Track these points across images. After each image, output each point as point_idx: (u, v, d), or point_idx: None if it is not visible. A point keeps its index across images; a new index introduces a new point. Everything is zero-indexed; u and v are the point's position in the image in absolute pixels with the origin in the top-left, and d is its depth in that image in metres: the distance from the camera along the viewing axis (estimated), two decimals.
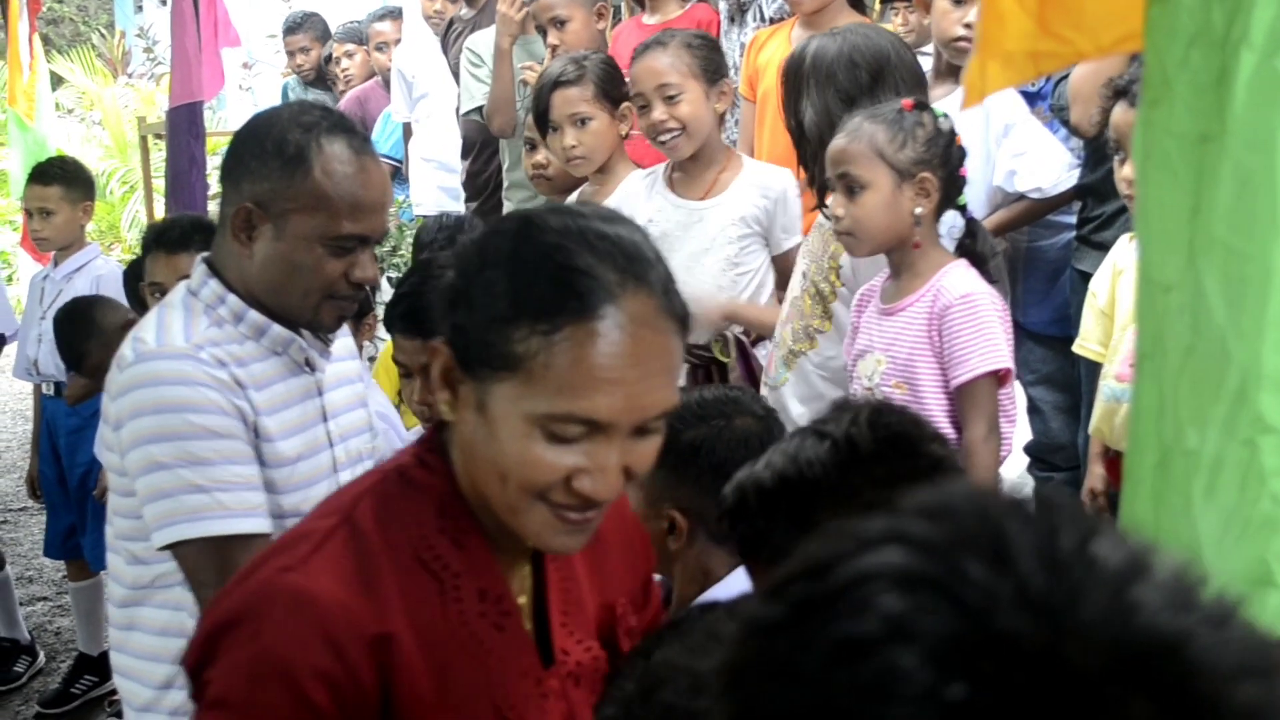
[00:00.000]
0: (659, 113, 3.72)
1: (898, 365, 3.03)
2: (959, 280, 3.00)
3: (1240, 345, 1.14)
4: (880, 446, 1.65)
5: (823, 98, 3.34)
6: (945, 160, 3.04)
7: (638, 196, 3.88)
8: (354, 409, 2.50)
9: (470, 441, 1.46)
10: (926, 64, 4.47)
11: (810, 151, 3.36)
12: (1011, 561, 0.65)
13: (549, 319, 1.35)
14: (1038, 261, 4.34)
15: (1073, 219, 4.24)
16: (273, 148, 2.23)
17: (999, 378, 2.97)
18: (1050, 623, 0.63)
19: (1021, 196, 4.02)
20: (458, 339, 1.42)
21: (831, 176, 3.05)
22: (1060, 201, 4.08)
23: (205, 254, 2.38)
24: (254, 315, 2.30)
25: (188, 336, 2.26)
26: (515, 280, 1.38)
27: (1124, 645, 0.63)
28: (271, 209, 2.23)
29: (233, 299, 2.30)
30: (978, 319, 2.95)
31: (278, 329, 2.31)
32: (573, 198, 4.19)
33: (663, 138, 3.75)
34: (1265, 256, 1.13)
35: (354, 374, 2.55)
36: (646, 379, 1.38)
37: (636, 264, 1.39)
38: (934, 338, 2.98)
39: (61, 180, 5.17)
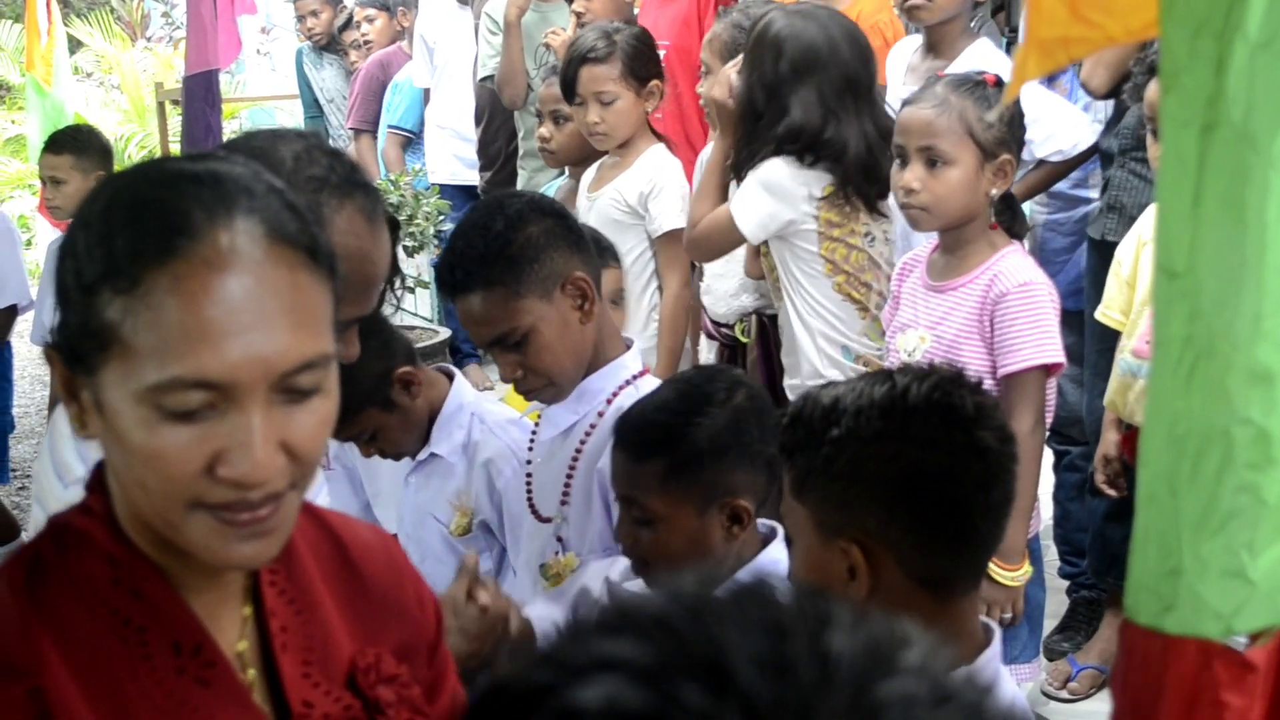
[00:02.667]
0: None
1: (942, 345, 2.98)
2: (1017, 267, 2.95)
3: (1223, 336, 1.15)
4: (929, 409, 1.61)
5: (751, 75, 3.42)
6: (1018, 140, 3.02)
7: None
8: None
9: (109, 458, 1.24)
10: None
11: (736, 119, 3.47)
12: (733, 679, 0.59)
13: (128, 273, 1.15)
14: (1054, 235, 4.33)
15: (1089, 193, 4.23)
16: None
17: (1047, 370, 2.94)
18: None
19: (1040, 162, 4.00)
20: (62, 334, 1.22)
21: (908, 146, 2.97)
22: (1080, 161, 4.05)
23: None
24: None
25: None
26: (96, 242, 1.18)
27: None
28: None
29: None
30: (1034, 309, 2.91)
31: None
32: (591, 170, 4.19)
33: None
34: (1254, 250, 1.14)
35: None
36: (266, 324, 1.17)
37: (231, 194, 1.19)
38: (985, 323, 2.93)
39: (73, 149, 5.17)
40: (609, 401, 2.49)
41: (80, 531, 1.28)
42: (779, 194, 3.36)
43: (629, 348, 2.57)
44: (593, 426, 2.49)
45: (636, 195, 3.99)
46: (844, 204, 3.38)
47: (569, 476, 2.49)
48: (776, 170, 3.35)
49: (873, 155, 3.36)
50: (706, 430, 2.11)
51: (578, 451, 2.49)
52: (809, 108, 3.32)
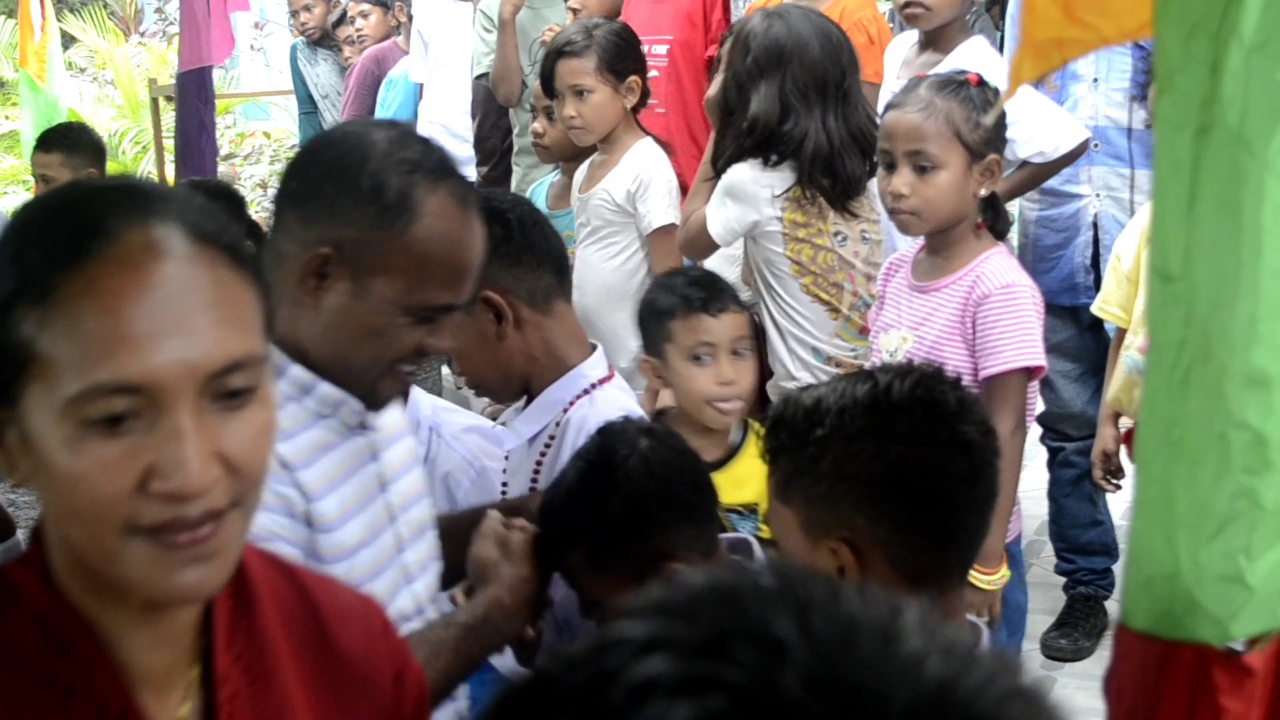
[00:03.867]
0: None
1: (924, 345, 2.97)
2: (1000, 269, 2.94)
3: (1220, 340, 1.15)
4: (913, 405, 1.62)
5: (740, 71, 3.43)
6: (1002, 138, 3.01)
7: None
8: (411, 469, 2.10)
9: (42, 497, 1.17)
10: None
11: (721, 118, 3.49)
12: (783, 645, 0.63)
13: (40, 282, 1.11)
14: (1046, 231, 4.32)
15: (1080, 189, 4.22)
16: (369, 188, 1.82)
17: (1029, 373, 2.93)
18: (849, 699, 0.62)
19: (1024, 163, 3.99)
20: None
21: (895, 151, 2.95)
22: (1063, 164, 4.04)
23: None
24: (297, 371, 1.89)
25: None
26: (9, 260, 1.14)
27: (920, 704, 0.62)
28: (355, 261, 1.84)
29: (274, 351, 1.88)
30: (1017, 311, 2.90)
31: (326, 388, 1.90)
32: (583, 169, 4.18)
33: None
34: (1250, 254, 1.14)
35: (404, 425, 2.16)
36: (189, 322, 1.12)
37: (145, 199, 1.17)
38: (967, 324, 2.92)
39: (63, 147, 5.14)
40: (565, 411, 2.45)
41: (13, 584, 1.20)
42: (741, 196, 3.41)
43: (595, 349, 2.53)
44: (551, 438, 2.46)
45: (624, 194, 3.98)
46: (809, 204, 3.39)
47: (531, 489, 2.46)
48: (739, 173, 3.40)
49: (834, 151, 3.37)
50: (614, 511, 2.04)
51: (538, 465, 2.47)
52: (769, 102, 3.37)
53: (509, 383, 2.47)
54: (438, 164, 1.86)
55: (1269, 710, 1.17)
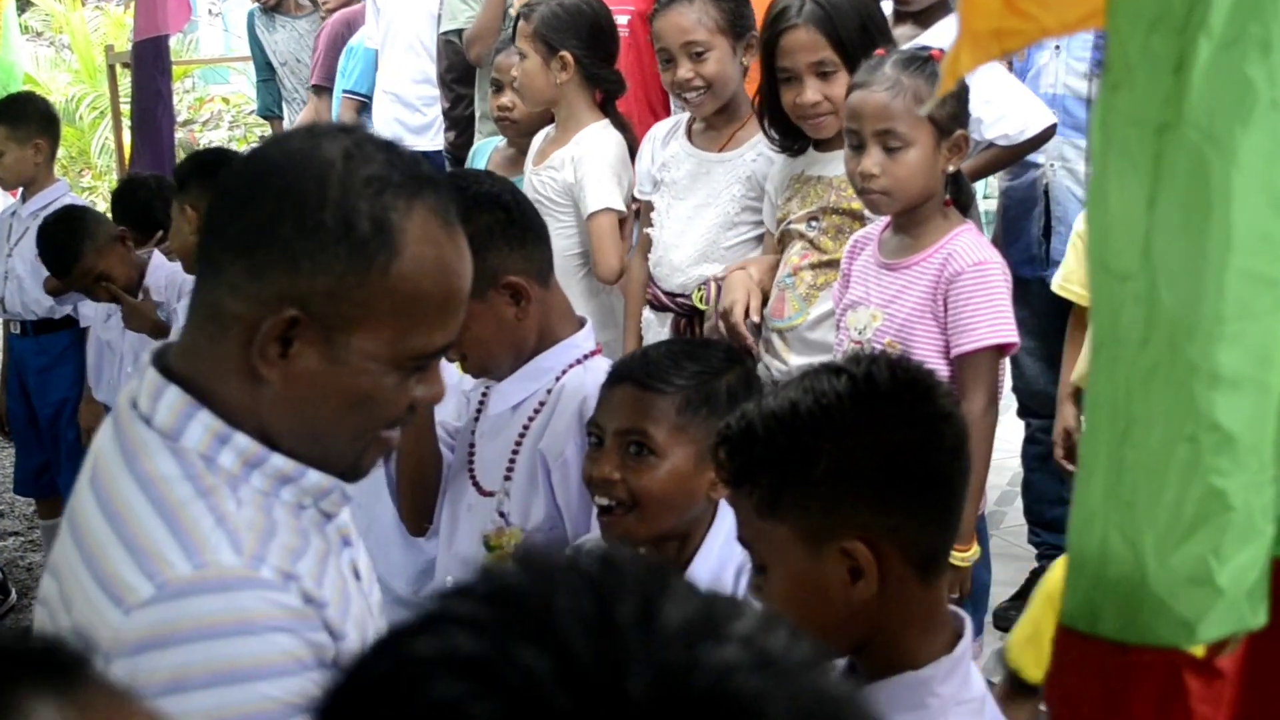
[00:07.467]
0: (685, 70, 3.58)
1: (894, 323, 2.96)
2: (972, 246, 2.93)
3: (1187, 340, 1.13)
4: (898, 388, 1.60)
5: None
6: (967, 113, 3.00)
7: (654, 141, 3.81)
8: (359, 542, 1.72)
9: None
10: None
11: None
12: (557, 636, 0.65)
13: None
14: (1006, 202, 4.32)
15: (1038, 158, 4.21)
16: (335, 223, 1.45)
17: (1001, 350, 2.93)
18: (592, 695, 0.63)
19: (990, 144, 3.98)
20: None
21: (863, 131, 2.92)
22: (1029, 148, 4.03)
23: (159, 363, 1.53)
24: (278, 460, 1.50)
25: (236, 544, 1.43)
26: None
27: (680, 710, 0.63)
28: (328, 318, 1.47)
29: (241, 439, 1.49)
30: (989, 289, 2.89)
31: (314, 476, 1.54)
32: (537, 141, 4.12)
33: (688, 95, 3.63)
34: (1217, 252, 1.12)
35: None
36: None
37: None
38: (938, 302, 2.91)
39: (7, 120, 5.06)
40: (557, 379, 2.48)
41: None
42: None
43: (583, 326, 2.56)
44: (541, 404, 2.49)
45: (569, 172, 3.92)
46: None
47: (514, 452, 2.49)
48: None
49: None
50: (725, 382, 2.15)
51: (524, 428, 2.49)
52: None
53: (519, 361, 2.48)
54: (407, 173, 1.50)
55: (1234, 713, 1.16)
